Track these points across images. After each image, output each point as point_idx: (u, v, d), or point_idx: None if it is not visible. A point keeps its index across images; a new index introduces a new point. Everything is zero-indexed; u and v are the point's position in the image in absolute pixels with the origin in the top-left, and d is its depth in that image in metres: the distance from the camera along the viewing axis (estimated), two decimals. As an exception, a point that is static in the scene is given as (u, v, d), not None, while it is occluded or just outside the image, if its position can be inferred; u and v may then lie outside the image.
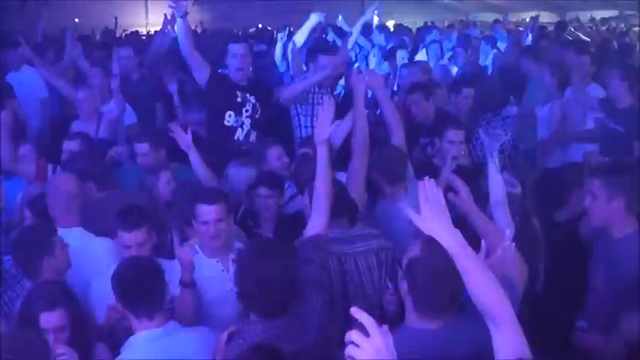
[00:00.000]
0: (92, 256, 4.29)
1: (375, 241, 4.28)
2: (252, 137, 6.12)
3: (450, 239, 2.55)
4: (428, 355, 2.86)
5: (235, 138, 6.08)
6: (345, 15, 14.54)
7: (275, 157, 5.42)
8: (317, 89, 6.40)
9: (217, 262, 4.20)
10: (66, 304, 3.48)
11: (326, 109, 4.01)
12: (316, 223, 3.74)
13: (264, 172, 5.15)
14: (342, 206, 4.16)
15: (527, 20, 17.99)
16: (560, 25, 13.68)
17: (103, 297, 3.77)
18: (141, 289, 3.46)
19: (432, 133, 5.85)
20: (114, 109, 6.79)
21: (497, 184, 4.19)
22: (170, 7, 6.13)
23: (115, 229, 4.17)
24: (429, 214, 2.59)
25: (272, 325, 3.22)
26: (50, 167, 5.66)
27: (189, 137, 5.24)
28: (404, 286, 3.00)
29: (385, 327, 2.08)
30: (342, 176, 4.80)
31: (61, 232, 4.17)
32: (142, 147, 5.68)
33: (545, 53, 9.11)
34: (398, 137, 5.12)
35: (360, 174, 4.74)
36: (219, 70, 6.44)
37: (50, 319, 3.40)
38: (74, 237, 4.28)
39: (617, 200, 3.72)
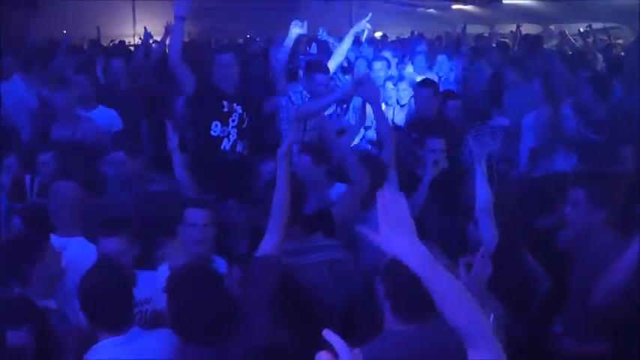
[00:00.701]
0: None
1: (330, 252, 4.24)
2: (239, 147, 6.13)
3: (416, 259, 2.22)
4: (408, 357, 2.87)
5: (222, 148, 6.08)
6: (334, 26, 14.62)
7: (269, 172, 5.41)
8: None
9: None
10: (32, 321, 3.36)
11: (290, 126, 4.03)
12: (269, 243, 3.71)
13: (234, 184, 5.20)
14: (297, 216, 4.15)
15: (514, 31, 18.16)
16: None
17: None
18: (103, 298, 3.38)
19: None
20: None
21: (484, 191, 4.22)
22: (175, 5, 6.21)
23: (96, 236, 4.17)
24: (388, 231, 2.23)
25: (210, 351, 3.14)
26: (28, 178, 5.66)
27: (176, 138, 5.27)
28: (381, 290, 3.01)
29: (357, 350, 1.88)
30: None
31: (62, 240, 4.17)
32: (118, 155, 5.66)
33: (530, 63, 9.19)
34: (389, 152, 5.12)
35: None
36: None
37: (16, 337, 3.27)
38: (76, 245, 4.29)
39: (599, 211, 3.74)
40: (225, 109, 6.07)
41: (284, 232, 3.76)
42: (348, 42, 7.49)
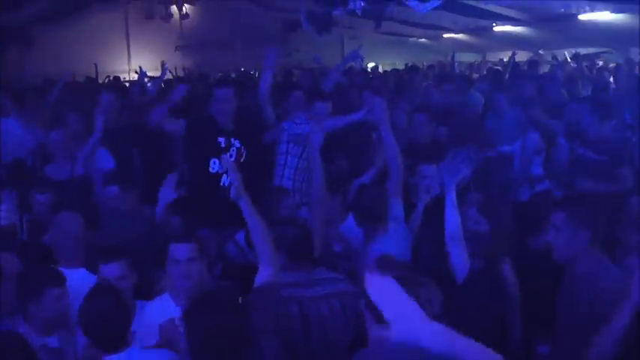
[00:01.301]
0: None
1: (337, 285, 4.24)
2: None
3: (436, 341, 1.95)
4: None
5: (221, 184, 6.03)
6: (325, 57, 14.74)
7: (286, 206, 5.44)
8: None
9: None
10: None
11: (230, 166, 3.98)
12: (264, 275, 3.72)
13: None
14: (304, 250, 4.17)
15: (505, 59, 18.34)
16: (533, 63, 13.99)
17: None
18: (102, 319, 3.48)
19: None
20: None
21: (453, 218, 4.21)
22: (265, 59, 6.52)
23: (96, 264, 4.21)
24: (397, 323, 1.92)
25: None
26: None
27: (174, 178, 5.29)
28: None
29: None
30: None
31: (65, 272, 4.19)
32: (111, 190, 5.68)
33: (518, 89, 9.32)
34: (395, 180, 5.13)
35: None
36: None
37: None
38: (78, 278, 4.31)
39: (583, 234, 3.70)
40: (223, 145, 6.07)
41: (276, 262, 3.78)
42: (338, 72, 7.52)
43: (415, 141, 6.84)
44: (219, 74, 17.49)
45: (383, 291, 1.93)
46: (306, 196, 5.57)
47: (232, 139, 6.12)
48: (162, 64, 8.82)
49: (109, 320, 3.49)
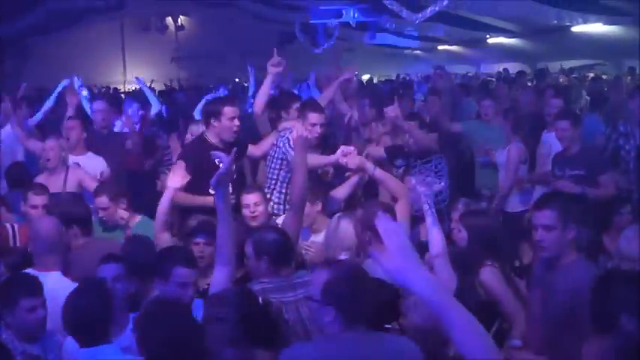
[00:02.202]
0: None
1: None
2: (232, 197, 6.16)
3: (427, 287, 2.15)
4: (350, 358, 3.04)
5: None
6: (322, 69, 14.79)
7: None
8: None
9: None
10: None
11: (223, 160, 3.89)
12: (218, 278, 3.62)
13: (202, 221, 5.15)
14: (285, 255, 4.23)
15: (500, 71, 18.46)
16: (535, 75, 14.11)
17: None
18: (82, 314, 3.49)
19: None
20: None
21: (437, 236, 4.16)
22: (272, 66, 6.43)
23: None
24: (397, 260, 2.14)
25: None
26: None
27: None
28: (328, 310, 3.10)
29: None
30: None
31: (39, 275, 4.16)
32: (101, 200, 5.73)
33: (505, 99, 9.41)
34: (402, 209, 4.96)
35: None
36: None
37: None
38: (51, 281, 4.23)
39: (571, 231, 3.77)
40: (217, 161, 6.08)
41: (233, 264, 3.70)
42: (333, 90, 7.48)
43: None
44: (212, 86, 17.56)
45: (392, 232, 2.17)
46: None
47: (224, 156, 6.13)
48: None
49: (88, 314, 3.48)
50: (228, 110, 6.01)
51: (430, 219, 4.20)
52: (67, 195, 5.65)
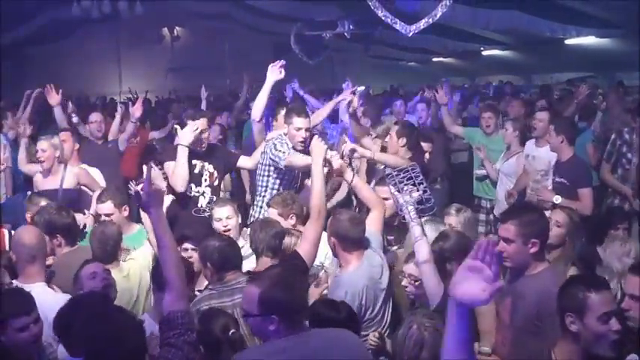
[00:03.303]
0: (52, 313, 3.92)
1: None
2: (213, 204, 6.24)
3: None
4: None
5: (199, 206, 6.20)
6: (316, 81, 14.87)
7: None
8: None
9: None
10: None
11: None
12: (166, 301, 3.41)
13: (192, 229, 5.26)
14: (230, 261, 4.30)
15: (493, 83, 18.55)
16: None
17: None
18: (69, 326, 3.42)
19: None
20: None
21: (423, 243, 4.19)
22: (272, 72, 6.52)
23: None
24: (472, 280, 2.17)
25: None
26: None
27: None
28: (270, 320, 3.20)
29: None
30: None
31: (23, 286, 4.15)
32: (105, 206, 5.72)
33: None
34: (374, 218, 5.01)
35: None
36: None
37: None
38: (35, 292, 4.09)
39: (532, 242, 3.85)
40: (196, 170, 6.19)
41: (181, 288, 3.44)
42: (328, 107, 7.49)
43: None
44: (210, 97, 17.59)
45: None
46: None
47: (206, 164, 6.22)
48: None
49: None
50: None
51: (414, 227, 4.24)
52: (52, 205, 5.62)
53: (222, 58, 22.35)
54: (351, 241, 4.61)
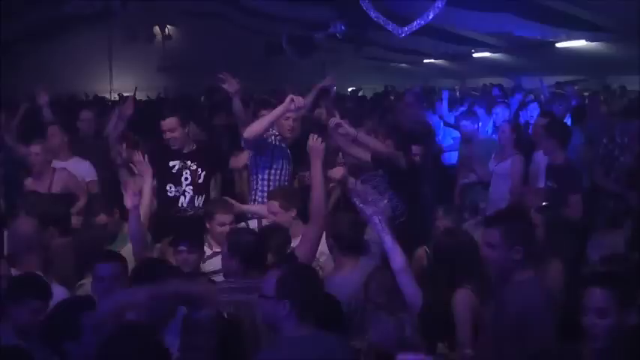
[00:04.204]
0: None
1: None
2: (199, 202, 6.28)
3: None
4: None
5: (179, 206, 6.25)
6: (307, 81, 14.84)
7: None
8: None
9: None
10: None
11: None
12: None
13: (185, 231, 5.25)
14: (258, 257, 4.32)
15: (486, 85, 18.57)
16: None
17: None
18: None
19: None
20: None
21: (396, 252, 4.09)
22: (222, 85, 6.61)
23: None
24: None
25: None
26: None
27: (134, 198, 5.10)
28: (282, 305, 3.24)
29: None
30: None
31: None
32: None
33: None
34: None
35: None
36: None
37: None
38: None
39: (516, 249, 3.79)
40: (174, 170, 6.22)
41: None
42: (311, 96, 7.57)
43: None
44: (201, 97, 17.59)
45: None
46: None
47: (188, 162, 6.24)
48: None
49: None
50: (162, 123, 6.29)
51: (384, 237, 4.10)
52: (46, 195, 5.66)
53: (213, 57, 22.31)
54: (348, 244, 4.62)
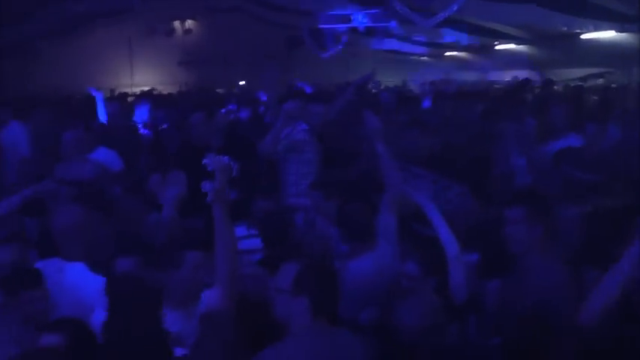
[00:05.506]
0: (87, 294, 4.10)
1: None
2: (232, 195, 6.14)
3: None
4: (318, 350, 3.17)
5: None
6: (329, 74, 14.69)
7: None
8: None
9: None
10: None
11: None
12: (214, 296, 3.48)
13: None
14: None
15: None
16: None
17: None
18: None
19: None
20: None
21: (450, 239, 4.12)
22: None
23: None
24: None
25: None
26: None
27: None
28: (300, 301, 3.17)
29: None
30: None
31: (65, 265, 4.23)
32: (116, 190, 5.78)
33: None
34: (389, 196, 4.82)
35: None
36: None
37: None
38: (74, 272, 4.25)
39: (538, 229, 3.87)
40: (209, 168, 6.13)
41: (233, 284, 3.45)
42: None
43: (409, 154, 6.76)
44: (221, 90, 17.54)
45: None
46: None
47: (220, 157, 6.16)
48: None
49: None
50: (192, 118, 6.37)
51: (439, 224, 4.20)
52: (91, 183, 5.68)
53: (233, 51, 22.23)
54: (359, 230, 4.58)
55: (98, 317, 3.73)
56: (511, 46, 18.64)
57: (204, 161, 3.76)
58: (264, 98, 8.43)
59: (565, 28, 14.06)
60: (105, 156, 7.12)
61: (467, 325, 4.10)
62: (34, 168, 7.51)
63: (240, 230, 5.31)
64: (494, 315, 4.14)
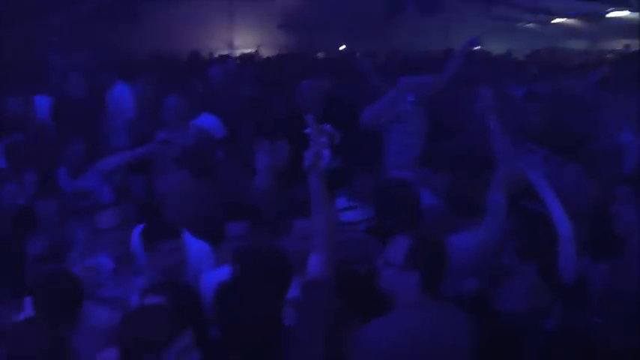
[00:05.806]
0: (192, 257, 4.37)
1: None
2: (335, 163, 6.08)
3: None
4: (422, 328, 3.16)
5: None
6: (429, 40, 14.36)
7: None
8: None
9: None
10: None
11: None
12: (313, 264, 3.37)
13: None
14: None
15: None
16: None
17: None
18: None
19: None
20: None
21: (563, 219, 3.99)
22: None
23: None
24: None
25: None
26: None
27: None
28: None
29: None
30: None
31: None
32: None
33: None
34: (501, 174, 4.66)
35: None
36: None
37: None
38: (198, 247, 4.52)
39: None
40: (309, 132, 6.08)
41: (332, 252, 3.38)
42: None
43: (525, 128, 6.54)
44: (321, 54, 17.44)
45: None
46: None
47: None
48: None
49: None
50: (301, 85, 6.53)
51: (553, 203, 4.10)
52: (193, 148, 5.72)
53: (334, 14, 22.08)
54: (469, 206, 4.54)
55: (208, 280, 3.92)
56: (623, 13, 17.85)
57: (306, 130, 3.69)
58: (363, 64, 8.27)
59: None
60: (208, 122, 7.15)
61: (571, 307, 3.95)
62: (139, 130, 7.64)
63: (341, 202, 5.26)
64: (599, 297, 4.05)
